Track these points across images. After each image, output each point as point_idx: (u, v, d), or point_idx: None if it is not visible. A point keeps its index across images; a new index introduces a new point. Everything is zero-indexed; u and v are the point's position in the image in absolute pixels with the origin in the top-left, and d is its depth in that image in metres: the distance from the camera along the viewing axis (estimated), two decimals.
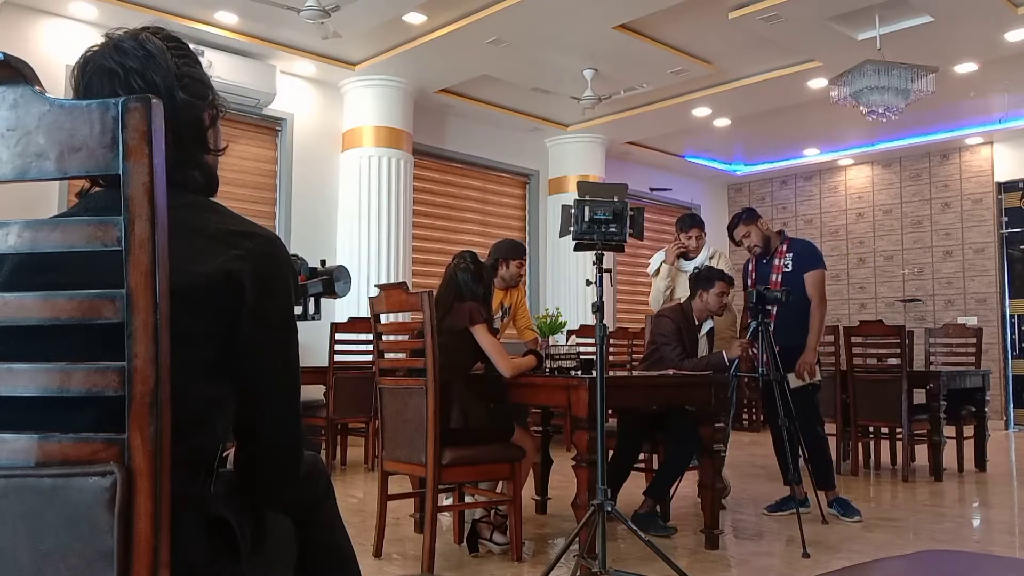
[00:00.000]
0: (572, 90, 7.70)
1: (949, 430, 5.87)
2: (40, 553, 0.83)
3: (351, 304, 7.25)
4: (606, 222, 3.11)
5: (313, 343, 6.54)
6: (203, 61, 1.31)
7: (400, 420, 3.41)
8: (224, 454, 1.16)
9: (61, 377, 0.86)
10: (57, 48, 6.20)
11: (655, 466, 4.45)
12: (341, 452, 6.12)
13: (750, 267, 4.80)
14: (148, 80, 1.16)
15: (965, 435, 6.14)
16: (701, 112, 8.69)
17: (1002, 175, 9.82)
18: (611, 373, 3.83)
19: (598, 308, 3.09)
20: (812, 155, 10.82)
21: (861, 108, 6.15)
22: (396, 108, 7.66)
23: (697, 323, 4.51)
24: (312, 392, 6.10)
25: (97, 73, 1.17)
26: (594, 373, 3.06)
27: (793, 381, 4.39)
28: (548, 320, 4.39)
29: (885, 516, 4.52)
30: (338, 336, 5.80)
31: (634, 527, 3.20)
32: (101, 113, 0.84)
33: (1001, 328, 9.68)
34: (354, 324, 5.82)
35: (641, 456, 4.53)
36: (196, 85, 1.24)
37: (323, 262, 1.69)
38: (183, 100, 1.19)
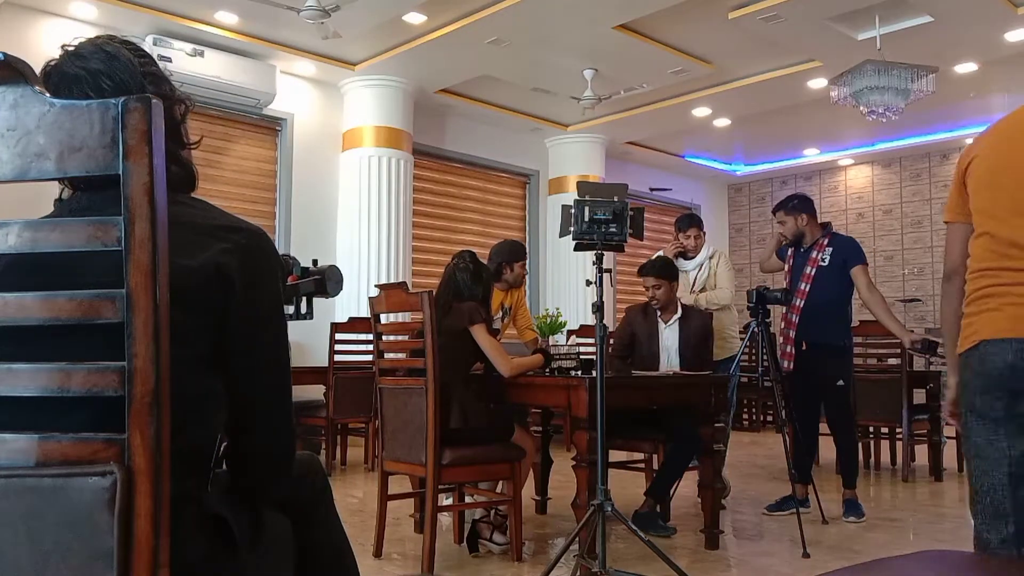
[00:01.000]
0: (572, 90, 7.70)
1: (949, 430, 5.86)
2: (40, 553, 0.83)
3: (351, 304, 7.25)
4: (606, 222, 3.11)
5: (313, 343, 6.55)
6: (168, 59, 1.33)
7: (400, 420, 3.41)
8: (221, 451, 1.16)
9: (61, 377, 0.86)
10: (57, 48, 6.19)
11: (655, 466, 4.45)
12: (341, 452, 6.12)
13: (788, 254, 4.76)
14: (116, 80, 1.17)
15: None
16: (701, 112, 8.69)
17: None
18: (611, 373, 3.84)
19: (598, 308, 3.09)
20: (812, 155, 10.82)
21: (861, 108, 6.15)
22: (396, 108, 7.66)
23: (660, 315, 4.51)
24: (312, 392, 6.10)
25: (64, 81, 1.18)
26: (594, 373, 3.06)
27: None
28: (548, 320, 4.39)
29: (885, 516, 4.52)
30: (338, 336, 5.80)
31: (634, 527, 3.20)
32: (101, 113, 0.84)
33: None
34: (354, 324, 5.82)
35: (641, 456, 4.54)
36: (161, 82, 1.23)
37: (315, 261, 1.68)
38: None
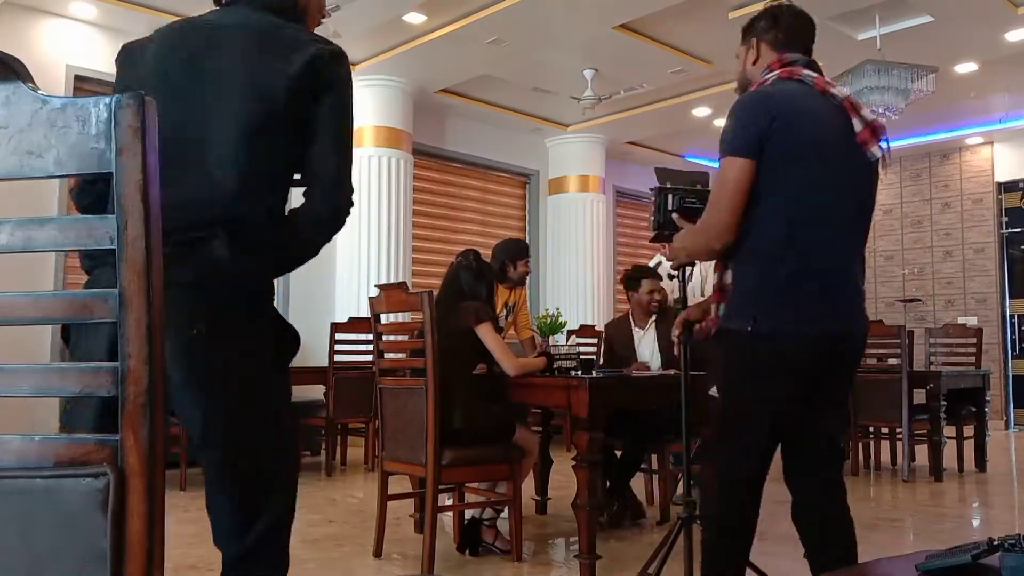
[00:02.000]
0: (572, 90, 7.70)
1: (949, 430, 5.86)
2: (33, 555, 0.83)
3: (351, 304, 7.26)
4: (693, 211, 2.76)
5: (313, 343, 6.54)
6: None
7: (400, 420, 3.41)
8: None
9: (55, 377, 0.86)
10: (57, 48, 6.20)
11: (655, 466, 4.46)
12: (341, 452, 6.12)
13: None
14: None
15: (965, 435, 6.14)
16: (701, 112, 8.69)
17: (1002, 175, 9.82)
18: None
19: (682, 304, 2.90)
20: None
21: None
22: (396, 108, 7.66)
23: (635, 325, 4.55)
24: (312, 392, 6.10)
25: None
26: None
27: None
28: (548, 320, 4.38)
29: (885, 516, 4.51)
30: (338, 336, 5.80)
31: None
32: (94, 110, 0.83)
33: (1001, 328, 9.68)
34: (354, 324, 5.82)
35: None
36: None
37: None
38: None
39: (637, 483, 4.31)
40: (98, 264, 1.46)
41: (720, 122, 9.06)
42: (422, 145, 8.30)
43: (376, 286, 3.62)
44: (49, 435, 0.86)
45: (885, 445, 6.49)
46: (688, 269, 2.96)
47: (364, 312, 6.59)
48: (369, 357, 5.51)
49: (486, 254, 4.21)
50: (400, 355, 3.62)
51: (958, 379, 5.99)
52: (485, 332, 3.46)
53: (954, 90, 7.86)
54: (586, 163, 9.51)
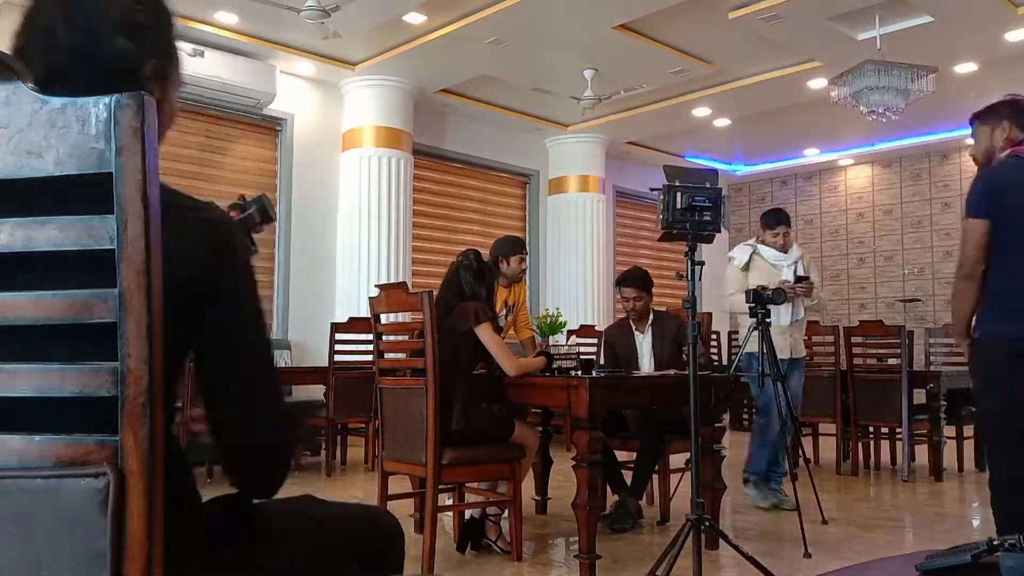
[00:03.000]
0: (572, 90, 7.70)
1: (949, 430, 5.86)
2: (33, 554, 0.82)
3: (351, 304, 7.26)
4: (702, 209, 2.84)
5: (313, 343, 6.55)
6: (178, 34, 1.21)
7: (400, 420, 3.41)
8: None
9: (55, 377, 0.86)
10: None
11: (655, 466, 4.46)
12: (341, 452, 6.12)
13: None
14: (89, 13, 1.04)
15: (965, 435, 6.14)
16: (701, 112, 8.69)
17: None
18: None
19: (691, 304, 2.91)
20: (812, 155, 10.82)
21: (861, 108, 6.15)
22: (396, 108, 7.66)
23: (631, 325, 4.56)
24: (312, 392, 6.10)
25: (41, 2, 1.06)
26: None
27: None
28: (548, 320, 4.38)
29: (885, 516, 4.51)
30: (338, 336, 5.80)
31: (735, 543, 3.07)
32: (94, 110, 0.83)
33: None
34: (354, 324, 5.82)
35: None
36: (145, 35, 1.10)
37: (242, 196, 1.60)
38: (122, 46, 1.06)
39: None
40: None
41: (720, 122, 9.09)
42: (422, 145, 8.30)
43: (376, 286, 3.62)
44: (49, 435, 0.86)
45: (885, 445, 6.48)
46: (698, 269, 2.95)
47: (364, 312, 6.59)
48: (369, 357, 5.50)
49: (486, 254, 4.21)
50: (400, 355, 3.62)
51: (958, 379, 5.97)
52: (484, 332, 3.45)
53: (954, 90, 7.86)
54: (586, 163, 9.51)
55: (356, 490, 5.27)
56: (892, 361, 5.83)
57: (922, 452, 5.99)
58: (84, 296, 0.85)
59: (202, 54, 6.48)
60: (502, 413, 3.55)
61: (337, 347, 5.79)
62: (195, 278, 1.02)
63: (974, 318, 3.02)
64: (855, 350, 5.90)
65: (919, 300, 9.98)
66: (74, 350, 0.88)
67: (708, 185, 2.92)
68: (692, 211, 2.87)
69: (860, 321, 6.43)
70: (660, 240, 3.13)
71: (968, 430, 6.18)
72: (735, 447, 7.52)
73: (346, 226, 7.54)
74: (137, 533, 0.82)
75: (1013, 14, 6.24)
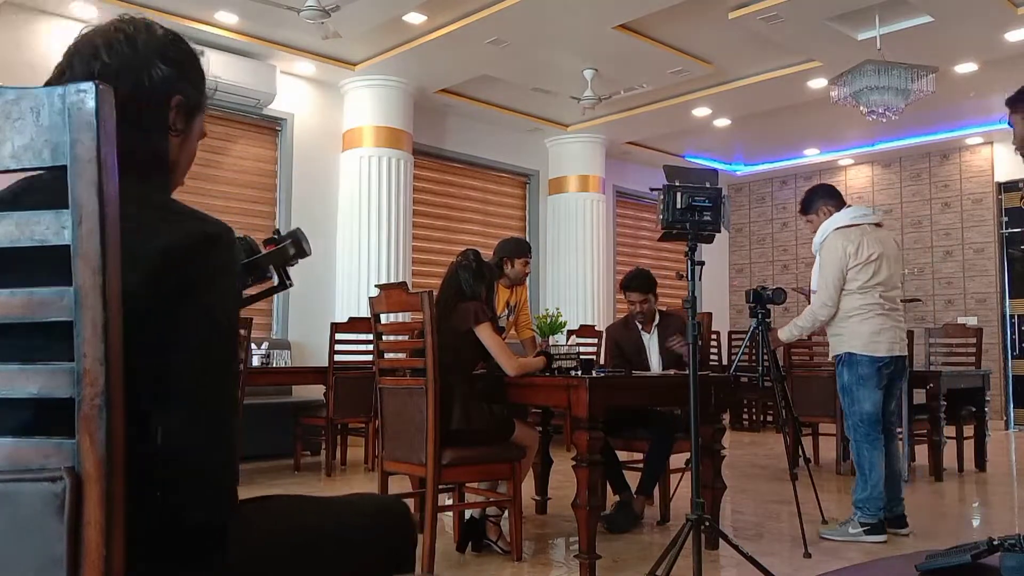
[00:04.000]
0: (572, 90, 7.70)
1: (949, 430, 5.86)
2: None
3: (351, 304, 7.26)
4: (702, 209, 2.85)
5: (313, 343, 6.55)
6: (202, 61, 1.31)
7: (400, 420, 3.41)
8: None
9: (8, 377, 0.83)
10: (57, 48, 6.18)
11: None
12: (341, 452, 6.12)
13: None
14: (132, 42, 1.17)
15: (965, 435, 6.14)
16: (701, 112, 8.69)
17: (1002, 175, 9.82)
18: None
19: (691, 303, 2.91)
20: (812, 155, 10.82)
21: (861, 108, 6.15)
22: (396, 108, 7.66)
23: (638, 325, 4.55)
24: (312, 392, 6.10)
25: (74, 49, 1.19)
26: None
27: None
28: (548, 320, 4.38)
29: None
30: (338, 336, 5.80)
31: (735, 543, 3.07)
32: (48, 102, 0.79)
33: (1001, 328, 9.68)
34: (354, 324, 5.82)
35: (641, 456, 4.53)
36: (178, 69, 1.22)
37: (277, 231, 1.61)
38: (161, 72, 1.18)
39: (632, 481, 4.30)
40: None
41: (720, 122, 9.08)
42: (422, 145, 8.30)
43: (376, 286, 3.62)
44: (6, 438, 0.83)
45: None
46: (698, 269, 2.95)
47: (364, 312, 6.59)
48: (369, 357, 5.51)
49: (487, 254, 4.21)
50: (400, 355, 3.62)
51: (958, 379, 5.99)
52: (484, 332, 3.45)
53: (954, 90, 7.87)
54: (586, 163, 9.51)
55: (356, 490, 5.27)
56: None
57: (922, 452, 5.99)
58: (41, 294, 0.81)
59: (202, 54, 6.41)
60: (502, 413, 3.55)
61: (337, 347, 5.79)
62: (175, 270, 0.99)
63: None
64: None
65: (919, 300, 9.96)
66: (34, 351, 0.85)
67: (708, 185, 2.92)
68: (692, 211, 2.87)
69: None
70: (660, 240, 3.12)
71: (968, 430, 6.19)
72: (735, 447, 7.52)
73: (346, 226, 7.54)
74: (93, 540, 0.78)
75: (1013, 14, 6.24)
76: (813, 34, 6.60)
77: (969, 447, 6.17)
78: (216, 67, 6.85)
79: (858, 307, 4.03)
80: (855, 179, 11.02)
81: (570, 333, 7.18)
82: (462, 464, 3.28)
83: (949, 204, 10.17)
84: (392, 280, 7.00)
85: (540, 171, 9.65)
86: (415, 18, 6.46)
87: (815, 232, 4.22)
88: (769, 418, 9.32)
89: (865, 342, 3.97)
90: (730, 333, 10.04)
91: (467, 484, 3.75)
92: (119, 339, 0.81)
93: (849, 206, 4.26)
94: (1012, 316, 9.70)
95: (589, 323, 7.96)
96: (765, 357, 4.21)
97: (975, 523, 4.45)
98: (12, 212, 0.82)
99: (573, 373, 3.51)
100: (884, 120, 6.23)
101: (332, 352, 5.76)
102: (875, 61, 5.94)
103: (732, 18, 6.31)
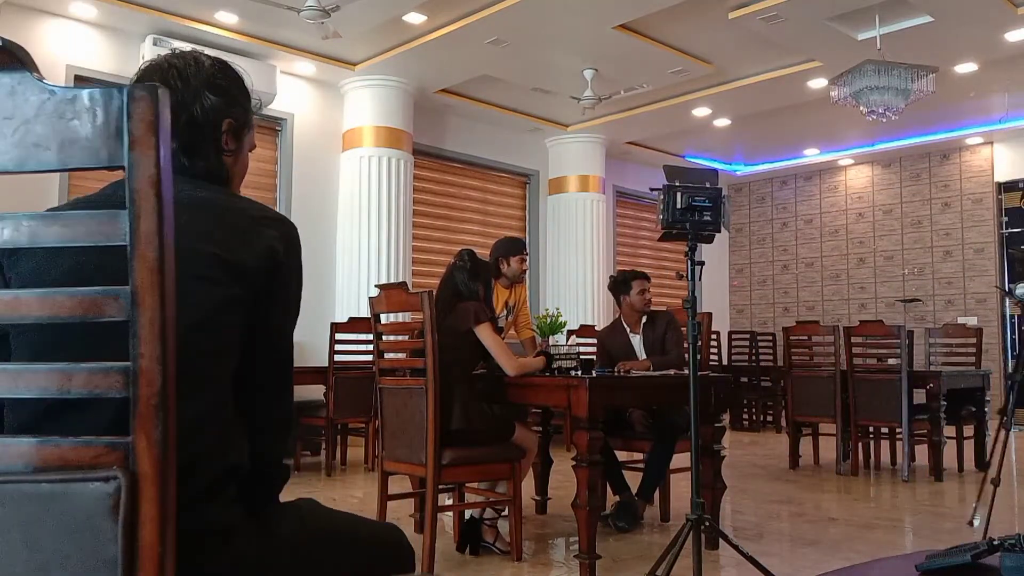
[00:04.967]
0: (572, 90, 7.70)
1: (949, 430, 5.86)
2: (38, 562, 0.80)
3: (351, 304, 7.26)
4: (702, 209, 2.85)
5: (313, 343, 6.54)
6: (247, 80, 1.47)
7: (400, 420, 3.41)
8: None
9: (61, 378, 0.83)
10: (57, 48, 6.20)
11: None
12: (341, 452, 6.11)
13: None
14: (183, 76, 1.32)
15: (965, 435, 6.14)
16: (701, 112, 8.69)
17: (1002, 175, 9.82)
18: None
19: (691, 304, 2.91)
20: (812, 155, 10.82)
21: (861, 108, 6.15)
22: (396, 108, 7.66)
23: (628, 328, 4.60)
24: (312, 392, 6.10)
25: (148, 69, 1.34)
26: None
27: None
28: (548, 320, 4.38)
29: (885, 516, 4.51)
30: (338, 336, 5.80)
31: (735, 543, 3.07)
32: (105, 102, 0.80)
33: (1001, 328, 9.68)
34: (354, 324, 5.82)
35: (641, 456, 4.54)
36: (225, 96, 1.37)
37: None
38: (210, 101, 1.33)
39: (633, 481, 4.30)
40: None
41: (720, 122, 9.08)
42: (422, 145, 8.30)
43: (376, 286, 3.62)
44: (56, 437, 0.84)
45: (885, 445, 6.48)
46: (698, 269, 2.95)
47: (364, 312, 6.59)
48: (369, 357, 5.51)
49: (485, 254, 4.21)
50: (400, 355, 3.62)
51: (958, 379, 5.98)
52: (484, 332, 3.45)
53: (954, 90, 7.87)
54: (586, 163, 9.51)
55: (356, 490, 5.27)
56: (892, 361, 5.83)
57: (922, 452, 5.99)
58: (94, 294, 0.82)
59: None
60: (502, 413, 3.55)
61: (337, 347, 5.79)
62: (256, 275, 1.19)
63: None
64: (855, 350, 5.90)
65: (919, 300, 9.96)
66: (85, 350, 0.86)
67: (708, 185, 2.92)
68: (692, 211, 2.87)
69: (860, 321, 6.42)
70: (660, 240, 3.12)
71: (968, 430, 6.19)
72: (735, 447, 7.52)
73: (346, 226, 7.54)
74: (149, 539, 0.79)
75: (1013, 14, 6.24)
76: (813, 34, 6.60)
77: (969, 447, 6.17)
78: None
79: None
80: (855, 179, 11.02)
81: (570, 333, 7.18)
82: (462, 464, 3.27)
83: (949, 204, 10.17)
84: (392, 280, 7.00)
85: (540, 171, 9.66)
86: (415, 18, 6.46)
87: None
88: (769, 418, 9.32)
89: None
90: (730, 333, 10.04)
91: (467, 484, 3.75)
92: (174, 339, 0.83)
93: None
94: (1012, 316, 9.71)
95: (589, 323, 7.96)
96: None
97: (975, 523, 4.45)
98: (66, 212, 0.83)
99: (573, 373, 3.51)
100: (884, 120, 6.23)
101: (332, 352, 5.76)
102: (875, 61, 5.94)
103: (732, 18, 6.31)
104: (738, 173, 11.62)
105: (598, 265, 9.41)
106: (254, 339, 1.21)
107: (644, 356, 4.50)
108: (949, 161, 10.19)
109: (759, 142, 10.34)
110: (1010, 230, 9.80)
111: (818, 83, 7.58)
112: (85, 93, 0.81)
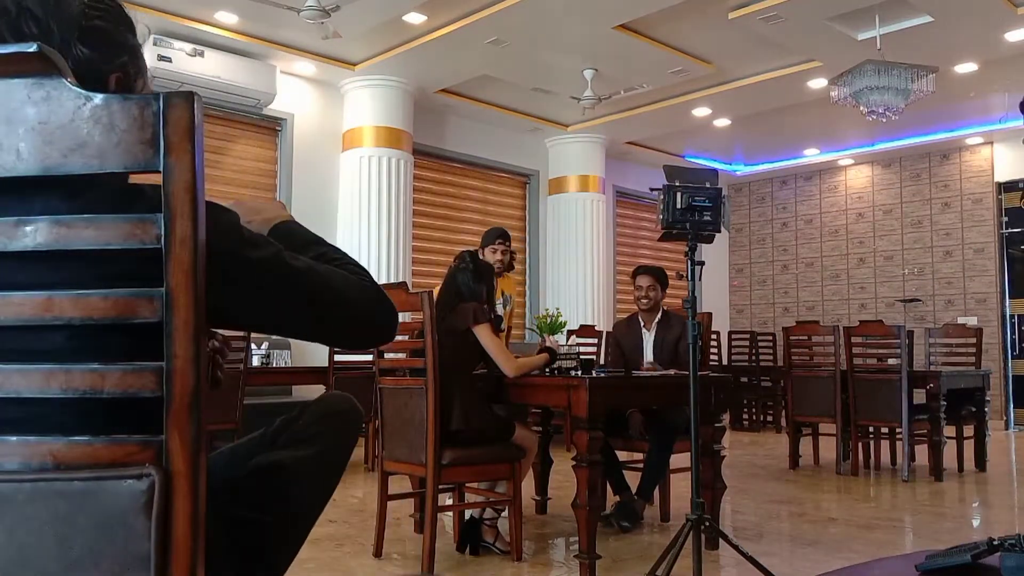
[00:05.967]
0: (572, 90, 7.70)
1: (949, 430, 5.86)
2: (69, 559, 0.81)
3: None
4: (702, 209, 2.85)
5: (313, 343, 6.53)
6: (141, 30, 1.13)
7: (400, 420, 3.41)
8: None
9: (94, 378, 0.84)
10: None
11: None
12: None
13: None
14: (43, 26, 0.97)
15: (965, 435, 6.14)
16: (701, 112, 8.69)
17: (1002, 175, 9.82)
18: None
19: (691, 303, 2.91)
20: (812, 155, 10.82)
21: (861, 108, 6.15)
22: (396, 108, 7.66)
23: (642, 323, 4.59)
24: (312, 392, 6.10)
25: None
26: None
27: None
28: (548, 320, 4.38)
29: (885, 516, 4.51)
30: None
31: (735, 543, 3.07)
32: (141, 108, 0.82)
33: (1001, 328, 9.68)
34: None
35: (641, 456, 4.54)
36: (105, 43, 1.03)
37: None
38: (83, 55, 1.00)
39: (632, 481, 4.30)
40: None
41: (720, 122, 9.08)
42: (422, 145, 8.30)
43: None
44: (88, 436, 0.84)
45: (885, 445, 6.48)
46: (698, 269, 2.94)
47: None
48: (369, 357, 5.50)
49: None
50: (400, 355, 3.62)
51: (958, 379, 5.99)
52: (482, 333, 3.46)
53: (954, 90, 7.87)
54: (586, 163, 9.51)
55: (356, 490, 5.27)
56: (892, 361, 5.83)
57: (922, 452, 5.99)
58: (127, 295, 0.83)
59: (202, 54, 6.48)
60: (502, 413, 3.55)
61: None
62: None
63: None
64: (855, 350, 5.90)
65: (919, 300, 9.97)
66: (115, 350, 0.86)
67: (708, 185, 2.92)
68: (692, 211, 2.87)
69: (860, 321, 6.43)
70: (660, 240, 3.12)
71: (968, 430, 6.19)
72: (735, 447, 7.52)
73: (346, 226, 7.54)
74: (183, 535, 0.81)
75: (1013, 14, 6.24)
76: (813, 34, 6.61)
77: (969, 447, 6.17)
78: (216, 67, 6.90)
79: None
80: (855, 179, 11.02)
81: (570, 333, 7.18)
82: (462, 464, 3.27)
83: (949, 204, 10.17)
84: (392, 280, 7.00)
85: (540, 171, 9.66)
86: (415, 18, 6.46)
87: None
88: (769, 418, 9.33)
89: None
90: (730, 333, 10.04)
91: (467, 484, 3.75)
92: (205, 340, 0.84)
93: None
94: (1012, 316, 9.71)
95: (589, 323, 7.96)
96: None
97: (975, 523, 4.46)
98: (101, 215, 0.84)
99: (573, 373, 3.50)
100: (884, 120, 6.23)
101: (332, 352, 5.76)
102: (875, 61, 5.94)
103: (732, 18, 6.31)
104: (738, 173, 11.62)
105: (598, 265, 9.41)
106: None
107: (651, 355, 4.49)
108: (949, 161, 10.19)
109: (759, 142, 10.34)
110: (1010, 230, 9.80)
111: (818, 83, 7.58)
112: (121, 99, 0.82)
